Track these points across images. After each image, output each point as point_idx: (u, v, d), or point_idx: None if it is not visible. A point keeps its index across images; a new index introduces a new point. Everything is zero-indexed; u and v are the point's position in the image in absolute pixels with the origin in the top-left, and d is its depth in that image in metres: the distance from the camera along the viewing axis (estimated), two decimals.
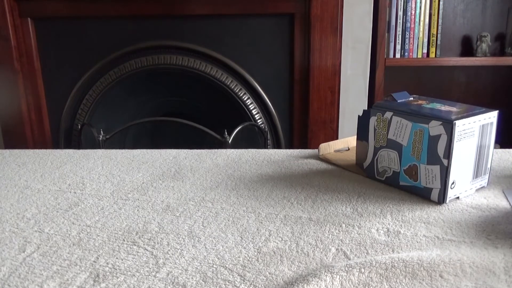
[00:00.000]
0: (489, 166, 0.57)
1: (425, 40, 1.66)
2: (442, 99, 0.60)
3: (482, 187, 0.58)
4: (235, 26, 1.57)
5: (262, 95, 1.61)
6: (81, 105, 1.68)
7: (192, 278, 0.40)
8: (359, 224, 0.49)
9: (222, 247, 0.45)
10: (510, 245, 0.44)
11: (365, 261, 0.40)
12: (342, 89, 1.59)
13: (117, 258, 0.43)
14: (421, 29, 1.65)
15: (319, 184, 0.61)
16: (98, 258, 0.43)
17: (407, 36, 1.66)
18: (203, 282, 0.39)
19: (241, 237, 0.47)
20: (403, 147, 0.57)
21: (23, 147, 1.70)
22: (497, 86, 1.84)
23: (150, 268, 0.41)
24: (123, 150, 0.78)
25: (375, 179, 0.62)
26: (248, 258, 0.43)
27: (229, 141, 1.50)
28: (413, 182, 0.56)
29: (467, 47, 1.80)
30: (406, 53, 1.67)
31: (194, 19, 1.58)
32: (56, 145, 1.75)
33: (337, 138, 1.61)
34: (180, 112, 1.78)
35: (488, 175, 0.58)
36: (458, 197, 0.55)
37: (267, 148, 1.64)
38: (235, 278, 0.40)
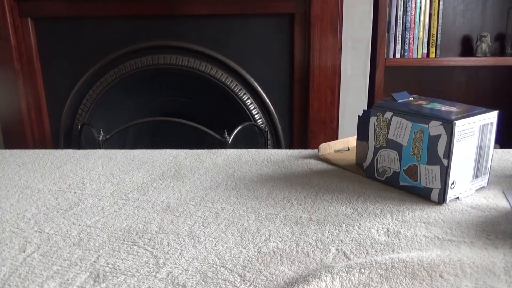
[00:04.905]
0: (489, 166, 0.57)
1: (425, 40, 1.66)
2: (442, 99, 0.60)
3: (482, 187, 0.58)
4: (235, 26, 1.57)
5: (262, 95, 1.61)
6: (81, 105, 1.68)
7: (192, 278, 0.40)
8: (359, 224, 0.49)
9: (222, 247, 0.45)
10: (510, 245, 0.44)
11: (365, 261, 0.40)
12: (342, 89, 1.59)
13: (117, 258, 0.43)
14: (421, 29, 1.65)
15: (319, 184, 0.61)
16: (98, 258, 0.43)
17: (407, 36, 1.66)
18: (203, 282, 0.39)
19: (241, 237, 0.47)
20: (403, 147, 0.57)
21: (23, 147, 1.70)
22: (497, 86, 1.84)
23: (150, 268, 0.41)
24: (123, 150, 0.78)
25: (375, 179, 0.62)
26: (248, 258, 0.43)
27: (229, 141, 1.50)
28: (413, 182, 0.56)
29: (467, 47, 1.80)
30: (406, 53, 1.67)
31: (194, 19, 1.57)
32: (56, 145, 1.75)
33: (337, 138, 1.61)
34: (180, 112, 1.78)
35: (488, 175, 0.58)
36: (458, 197, 0.55)
37: (267, 148, 1.64)
38: (235, 278, 0.40)
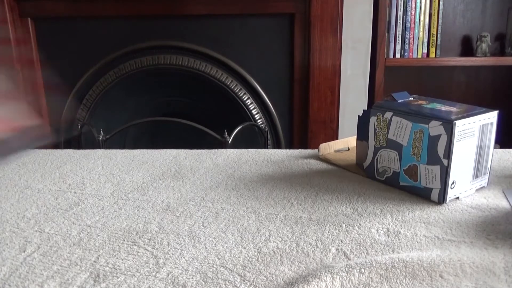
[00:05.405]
0: (489, 166, 0.57)
1: (425, 40, 1.66)
2: (442, 99, 0.60)
3: (482, 187, 0.58)
4: (235, 26, 1.57)
5: (262, 95, 1.61)
6: (81, 105, 1.68)
7: (192, 278, 0.40)
8: (359, 224, 0.49)
9: (222, 247, 0.45)
10: (510, 245, 0.44)
11: (365, 261, 0.40)
12: (342, 89, 1.59)
13: (117, 258, 0.43)
14: (421, 29, 1.65)
15: (319, 184, 0.61)
16: (98, 258, 0.43)
17: (407, 36, 1.66)
18: (203, 282, 0.39)
19: (241, 237, 0.47)
20: (403, 147, 0.57)
21: None
22: (497, 86, 1.84)
23: (150, 268, 0.41)
24: (123, 150, 0.78)
25: (375, 179, 0.62)
26: (248, 258, 0.43)
27: (229, 141, 1.50)
28: (413, 182, 0.56)
29: (467, 47, 1.80)
30: (406, 53, 1.67)
31: (194, 19, 1.57)
32: (56, 145, 1.75)
33: (337, 138, 1.61)
34: (180, 112, 1.78)
35: (488, 175, 0.58)
36: (458, 197, 0.55)
37: (267, 148, 1.64)
38: (235, 278, 0.40)
